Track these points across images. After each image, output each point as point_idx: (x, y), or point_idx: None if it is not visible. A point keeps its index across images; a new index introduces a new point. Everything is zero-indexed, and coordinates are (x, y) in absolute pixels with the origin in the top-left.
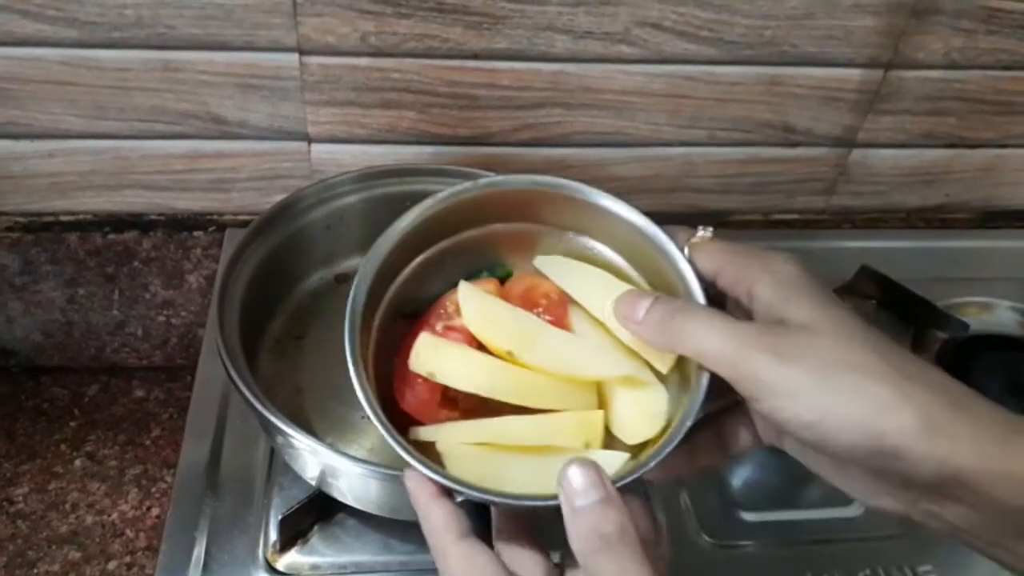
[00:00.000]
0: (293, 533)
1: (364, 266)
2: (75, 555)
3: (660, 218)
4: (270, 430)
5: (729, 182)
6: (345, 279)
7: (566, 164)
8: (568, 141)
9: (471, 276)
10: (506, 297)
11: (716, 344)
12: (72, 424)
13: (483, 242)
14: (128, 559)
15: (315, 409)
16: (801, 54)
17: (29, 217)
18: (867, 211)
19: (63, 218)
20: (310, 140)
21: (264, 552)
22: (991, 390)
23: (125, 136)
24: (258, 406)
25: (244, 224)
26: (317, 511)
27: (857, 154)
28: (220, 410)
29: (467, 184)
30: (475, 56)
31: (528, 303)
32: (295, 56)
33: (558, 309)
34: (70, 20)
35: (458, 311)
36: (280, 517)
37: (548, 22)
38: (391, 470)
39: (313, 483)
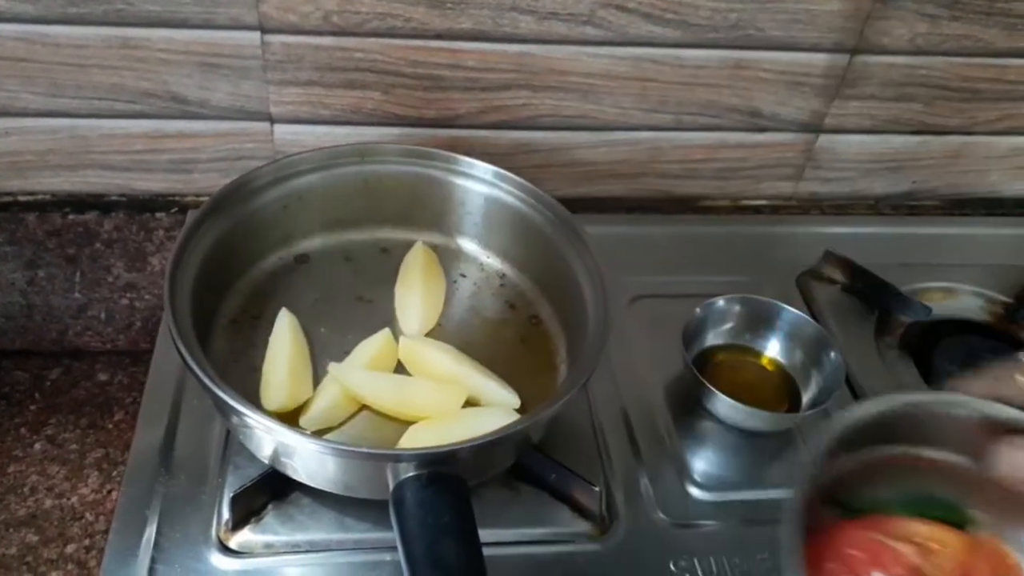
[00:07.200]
0: (246, 512)
1: (819, 442)
2: (32, 538)
3: (629, 203)
4: (222, 408)
5: (697, 167)
6: (305, 259)
7: (532, 148)
8: (535, 124)
9: (923, 505)
10: (973, 557)
11: None
12: (33, 408)
13: (948, 472)
14: (87, 542)
15: None
16: (766, 38)
17: None
18: (835, 198)
19: (21, 198)
20: (273, 121)
21: (217, 531)
22: (952, 374)
23: (84, 115)
24: (209, 384)
25: None
26: (271, 490)
27: (824, 140)
28: (176, 391)
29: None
30: (439, 36)
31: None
32: (257, 34)
33: None
34: None
35: (914, 549)
36: (232, 495)
37: (512, 2)
38: (345, 447)
39: (267, 462)
